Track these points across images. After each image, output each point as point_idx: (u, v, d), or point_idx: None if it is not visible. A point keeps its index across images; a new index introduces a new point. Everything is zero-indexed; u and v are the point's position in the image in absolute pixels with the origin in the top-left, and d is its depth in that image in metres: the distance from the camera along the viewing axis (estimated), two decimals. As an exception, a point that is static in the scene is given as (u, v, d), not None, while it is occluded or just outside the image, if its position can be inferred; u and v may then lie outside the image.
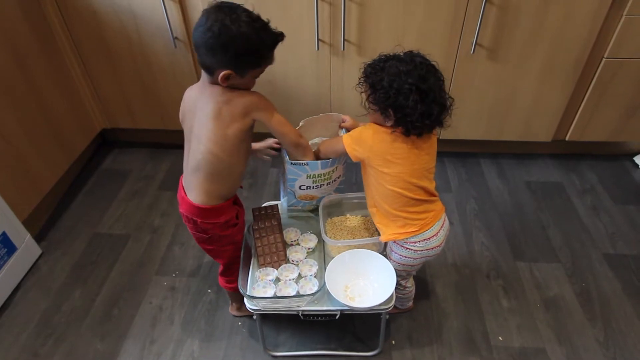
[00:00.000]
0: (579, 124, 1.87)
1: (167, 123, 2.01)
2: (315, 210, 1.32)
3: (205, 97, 1.02)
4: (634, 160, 2.04)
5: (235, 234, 1.18)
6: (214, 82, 1.00)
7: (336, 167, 1.19)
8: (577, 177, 1.97)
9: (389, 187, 1.07)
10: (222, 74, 0.95)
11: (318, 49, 1.70)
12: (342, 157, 1.19)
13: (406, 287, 1.30)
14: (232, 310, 1.44)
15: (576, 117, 1.85)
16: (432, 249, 1.14)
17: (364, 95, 1.06)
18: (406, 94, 0.96)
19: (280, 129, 1.06)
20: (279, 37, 0.98)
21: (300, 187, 1.22)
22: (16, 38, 1.53)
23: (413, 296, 1.37)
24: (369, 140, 1.05)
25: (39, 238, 1.67)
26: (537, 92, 1.78)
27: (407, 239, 1.12)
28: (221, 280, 1.33)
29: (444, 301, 1.48)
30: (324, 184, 1.22)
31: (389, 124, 1.02)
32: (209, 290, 1.52)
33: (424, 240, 1.13)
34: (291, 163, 1.14)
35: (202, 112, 1.03)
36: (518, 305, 1.46)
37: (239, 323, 1.42)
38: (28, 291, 1.52)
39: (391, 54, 1.03)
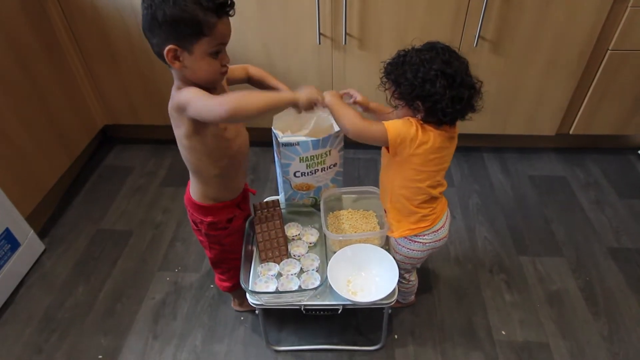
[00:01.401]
0: (583, 117, 1.85)
1: (168, 119, 2.00)
2: (316, 205, 1.32)
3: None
4: (639, 154, 2.02)
5: (224, 237, 1.16)
6: (175, 75, 0.92)
7: (329, 151, 1.18)
8: (581, 171, 1.96)
9: (421, 185, 1.05)
10: (166, 50, 0.84)
11: (319, 43, 1.69)
12: (337, 141, 1.17)
13: (410, 281, 1.30)
14: (234, 305, 1.44)
15: (580, 110, 1.84)
16: (439, 240, 1.15)
17: (387, 93, 1.03)
18: (432, 80, 0.92)
19: (199, 107, 0.87)
20: None
21: (295, 174, 1.22)
22: (17, 35, 1.53)
23: (415, 290, 1.37)
24: (415, 138, 0.98)
25: (42, 234, 1.68)
26: (541, 85, 1.76)
27: (419, 233, 1.13)
28: (216, 278, 1.33)
29: (447, 296, 1.47)
30: (318, 170, 1.22)
31: (419, 117, 0.99)
32: (212, 286, 1.52)
33: (433, 232, 1.13)
34: (282, 144, 1.14)
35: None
36: (521, 299, 1.46)
37: (242, 318, 1.42)
38: (31, 287, 1.53)
39: (409, 47, 1.00)
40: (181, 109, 0.90)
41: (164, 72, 1.84)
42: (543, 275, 1.53)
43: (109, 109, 1.99)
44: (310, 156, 1.17)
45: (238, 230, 1.20)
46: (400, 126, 0.99)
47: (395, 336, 1.36)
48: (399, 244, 1.17)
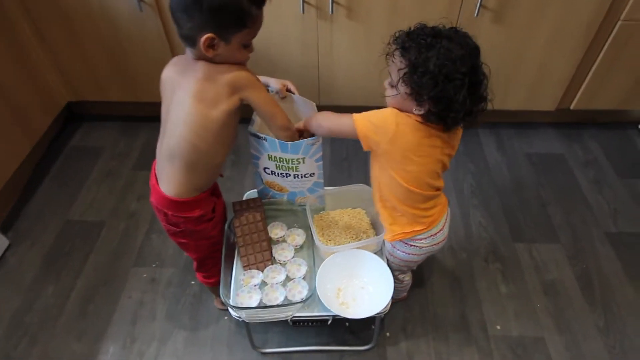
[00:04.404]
0: (587, 91, 1.74)
1: (139, 95, 1.83)
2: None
3: (187, 75, 0.90)
4: (639, 129, 1.94)
5: (210, 229, 1.07)
6: (198, 57, 0.89)
7: (302, 159, 1.05)
8: (580, 148, 1.87)
9: (402, 184, 0.94)
10: (203, 39, 0.83)
11: (303, 12, 1.50)
12: (312, 149, 1.03)
13: (404, 281, 1.23)
14: (217, 304, 1.36)
15: (584, 84, 1.72)
16: (438, 244, 1.06)
17: (391, 71, 0.87)
18: (456, 85, 0.79)
19: (270, 110, 0.95)
20: None
21: (265, 170, 1.11)
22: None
23: (409, 287, 1.30)
24: (390, 130, 0.87)
25: (4, 228, 1.55)
26: (545, 58, 1.63)
27: (414, 236, 1.03)
28: (199, 276, 1.24)
29: (440, 288, 1.41)
30: (290, 175, 1.10)
31: (417, 112, 0.86)
32: (192, 282, 1.43)
33: (431, 236, 1.04)
34: (250, 133, 1.04)
35: (181, 91, 0.90)
36: (517, 290, 1.41)
37: (225, 317, 1.35)
38: (-4, 287, 1.42)
39: (437, 27, 0.83)
40: (243, 87, 0.90)
41: (129, 43, 1.64)
42: (539, 263, 1.47)
43: (71, 85, 1.80)
44: (279, 157, 1.04)
45: (222, 219, 1.13)
46: (370, 116, 0.90)
47: (387, 334, 1.30)
48: (394, 247, 1.08)
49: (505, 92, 1.75)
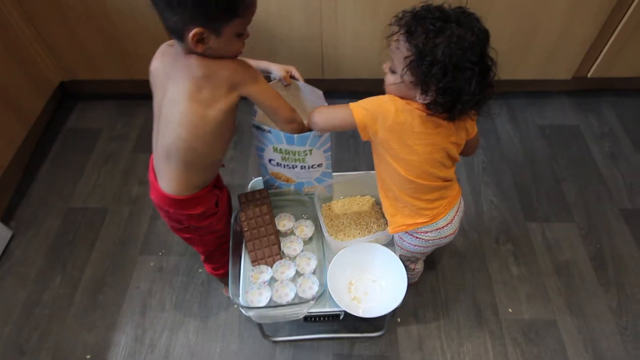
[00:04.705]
0: (606, 58, 1.64)
1: (133, 72, 1.75)
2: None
3: (179, 71, 0.82)
4: (659, 96, 1.85)
5: (215, 223, 1.04)
6: (189, 51, 0.80)
7: (310, 151, 1.00)
8: (595, 119, 1.79)
9: (402, 174, 0.89)
10: (191, 34, 0.74)
11: (304, -20, 1.39)
12: (319, 141, 0.98)
13: (415, 269, 1.20)
14: (226, 292, 1.35)
15: (604, 50, 1.62)
16: (445, 237, 1.02)
17: (394, 56, 0.80)
18: (467, 76, 0.73)
19: (272, 104, 0.88)
20: None
21: (270, 162, 1.06)
22: None
23: (420, 274, 1.28)
24: (388, 118, 0.82)
25: (6, 218, 1.52)
26: (565, 22, 1.52)
27: (418, 228, 0.99)
28: (207, 268, 1.22)
29: (451, 271, 1.39)
30: (296, 166, 1.05)
31: (421, 101, 0.80)
32: (200, 270, 1.41)
33: (437, 229, 0.99)
34: (254, 125, 0.98)
35: (174, 90, 0.83)
36: (528, 272, 1.38)
37: (234, 305, 1.34)
38: (4, 279, 1.40)
39: (443, 7, 0.76)
40: (242, 82, 0.83)
41: (120, 18, 1.54)
42: (552, 243, 1.45)
43: (62, 64, 1.71)
44: (285, 150, 0.99)
45: (226, 211, 1.09)
46: (366, 103, 0.85)
47: (398, 319, 1.30)
48: (401, 238, 1.05)
49: (519, 60, 1.65)
